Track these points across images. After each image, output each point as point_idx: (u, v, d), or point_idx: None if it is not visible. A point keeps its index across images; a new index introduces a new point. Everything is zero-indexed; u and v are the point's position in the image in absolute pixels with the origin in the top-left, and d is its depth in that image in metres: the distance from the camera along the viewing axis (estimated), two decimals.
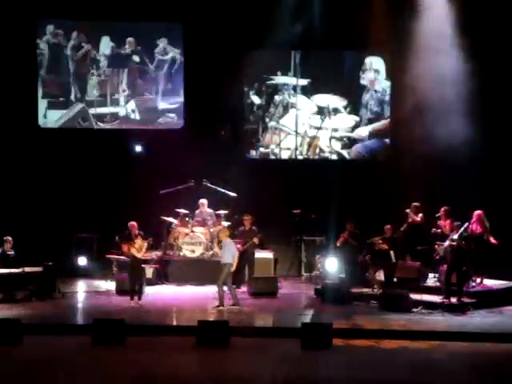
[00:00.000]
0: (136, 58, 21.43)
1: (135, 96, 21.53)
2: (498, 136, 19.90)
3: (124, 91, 21.50)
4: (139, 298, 15.79)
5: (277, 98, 21.77)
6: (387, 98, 21.41)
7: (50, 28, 21.28)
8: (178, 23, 21.07)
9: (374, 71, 21.51)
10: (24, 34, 20.66)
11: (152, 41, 21.44)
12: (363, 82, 21.57)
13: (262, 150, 21.82)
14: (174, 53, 21.33)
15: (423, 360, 12.16)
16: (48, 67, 21.37)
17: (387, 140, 21.50)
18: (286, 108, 21.81)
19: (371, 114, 21.61)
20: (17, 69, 20.46)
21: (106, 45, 21.40)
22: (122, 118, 21.55)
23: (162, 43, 21.36)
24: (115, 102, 21.55)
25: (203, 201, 18.95)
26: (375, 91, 21.54)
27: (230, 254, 15.75)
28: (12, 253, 16.43)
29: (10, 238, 16.53)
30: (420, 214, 17.25)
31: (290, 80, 21.62)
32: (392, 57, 21.08)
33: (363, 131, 21.63)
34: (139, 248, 15.90)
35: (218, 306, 15.43)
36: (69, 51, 21.44)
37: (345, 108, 21.64)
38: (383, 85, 21.50)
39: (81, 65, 21.48)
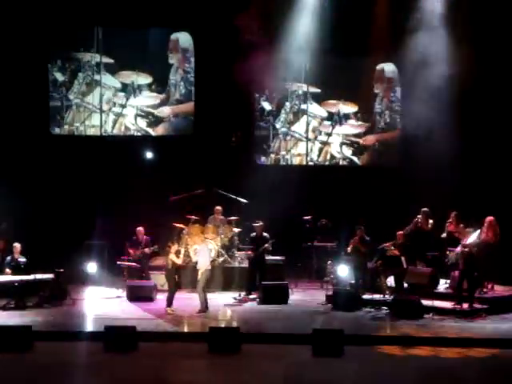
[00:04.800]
0: None
1: None
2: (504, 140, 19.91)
3: None
4: (170, 304, 15.67)
5: (287, 104, 21.80)
6: (399, 107, 21.41)
7: None
8: None
9: (388, 79, 21.51)
10: None
11: None
12: (376, 90, 21.58)
13: (272, 156, 21.84)
14: None
15: (435, 367, 12.11)
16: None
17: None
18: (297, 114, 21.84)
19: (383, 123, 21.60)
20: None
21: None
22: None
23: None
24: None
25: (219, 208, 18.92)
26: (389, 100, 21.54)
27: (205, 259, 15.80)
28: (23, 260, 16.48)
29: (18, 245, 16.58)
30: (430, 221, 17.16)
31: (301, 86, 21.67)
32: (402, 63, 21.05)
33: (371, 138, 21.67)
34: (177, 253, 15.80)
35: (199, 312, 15.46)
36: None
37: (355, 114, 21.66)
38: (397, 94, 21.47)
39: None
